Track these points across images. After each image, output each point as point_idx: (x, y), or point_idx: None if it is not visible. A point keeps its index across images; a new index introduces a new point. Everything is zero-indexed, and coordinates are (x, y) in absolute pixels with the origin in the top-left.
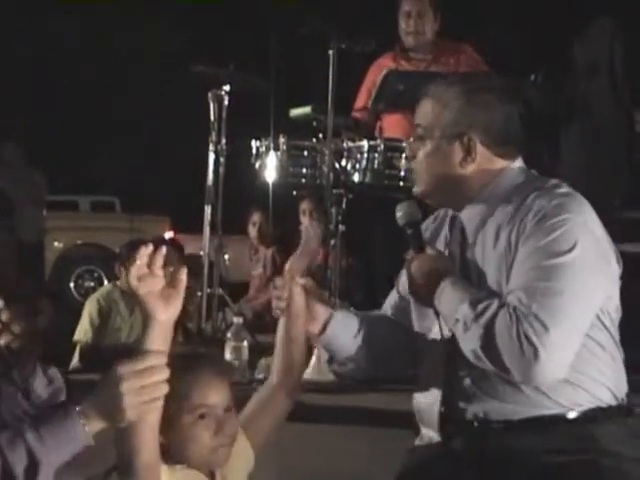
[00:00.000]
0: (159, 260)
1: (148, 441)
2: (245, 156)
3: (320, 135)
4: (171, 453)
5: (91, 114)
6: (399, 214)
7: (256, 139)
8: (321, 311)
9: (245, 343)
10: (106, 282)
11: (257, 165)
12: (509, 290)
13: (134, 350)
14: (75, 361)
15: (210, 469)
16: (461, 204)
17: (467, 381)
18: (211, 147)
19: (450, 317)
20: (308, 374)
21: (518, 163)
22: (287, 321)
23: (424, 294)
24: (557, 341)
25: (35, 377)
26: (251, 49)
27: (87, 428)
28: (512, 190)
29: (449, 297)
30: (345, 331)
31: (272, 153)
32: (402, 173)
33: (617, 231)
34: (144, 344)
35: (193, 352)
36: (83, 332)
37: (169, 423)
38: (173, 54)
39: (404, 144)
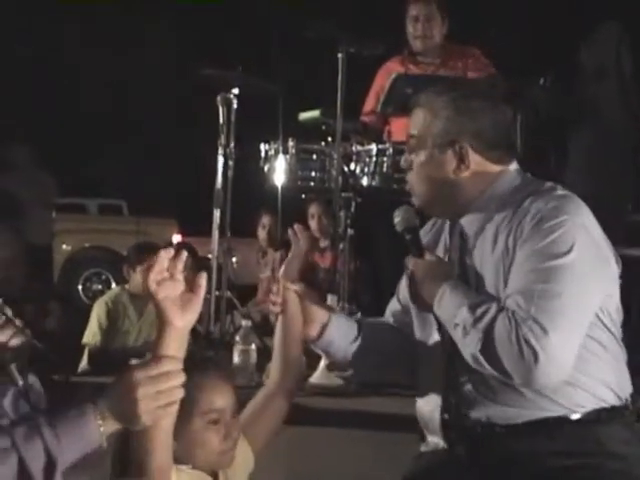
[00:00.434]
0: (180, 265)
1: (162, 444)
2: (254, 159)
3: (329, 139)
4: (178, 455)
5: (99, 117)
6: (397, 220)
7: (265, 142)
8: (318, 315)
9: (253, 346)
10: (114, 285)
11: (266, 168)
12: (507, 294)
13: (149, 354)
14: (83, 364)
15: (213, 470)
16: (460, 212)
17: (468, 386)
18: (220, 150)
19: (450, 322)
20: (315, 378)
21: (513, 167)
22: (283, 326)
23: (424, 299)
24: (556, 344)
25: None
26: (260, 52)
27: (102, 429)
28: (509, 194)
29: (448, 302)
30: (343, 335)
31: (281, 156)
32: None
33: (629, 234)
34: (160, 349)
35: (200, 357)
36: (91, 335)
37: (179, 428)
38: (179, 57)
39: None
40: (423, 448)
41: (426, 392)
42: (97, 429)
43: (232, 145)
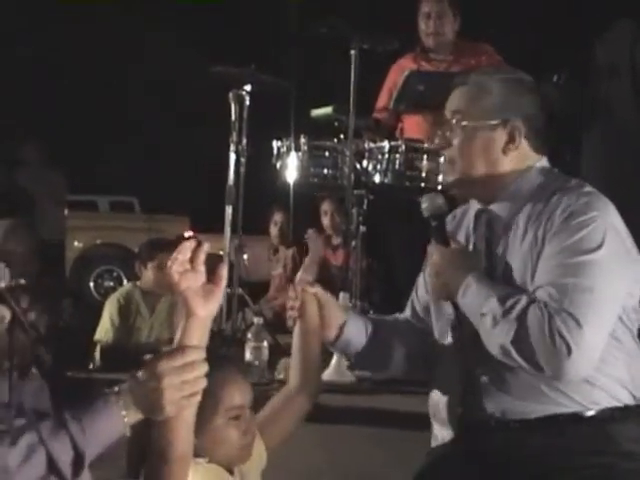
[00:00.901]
0: (201, 256)
1: (183, 434)
2: (266, 156)
3: (341, 136)
4: (197, 450)
5: (110, 114)
6: (424, 205)
7: (277, 139)
8: (336, 317)
9: (265, 343)
10: (125, 282)
11: (278, 165)
12: (537, 286)
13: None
14: (96, 361)
15: (232, 465)
16: (490, 196)
17: (484, 379)
18: (232, 147)
19: (475, 312)
20: (327, 375)
21: (544, 161)
22: (302, 329)
23: (446, 288)
24: (589, 338)
25: None
26: (272, 49)
27: (126, 420)
28: (540, 186)
29: (474, 292)
30: (360, 335)
31: (293, 153)
32: (423, 174)
33: None
34: (183, 339)
35: (218, 354)
36: (104, 332)
37: (200, 425)
38: (192, 54)
39: (425, 145)
40: (433, 443)
41: (441, 384)
42: (121, 420)
43: (244, 142)
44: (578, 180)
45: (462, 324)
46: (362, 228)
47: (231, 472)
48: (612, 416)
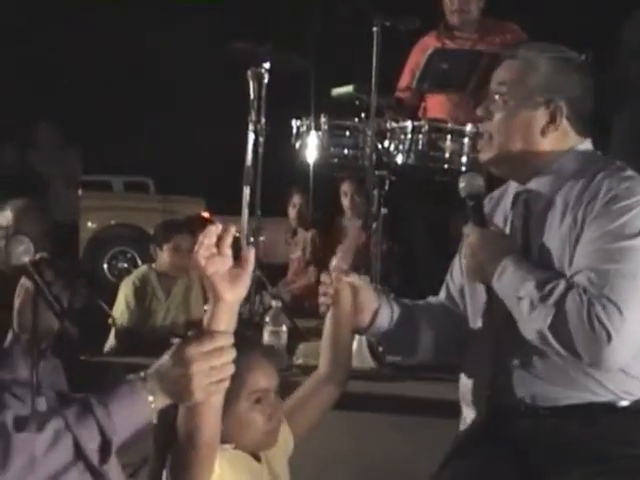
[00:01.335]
0: (228, 239)
1: (211, 420)
2: (285, 136)
3: (362, 115)
4: (223, 435)
5: (125, 93)
6: (462, 184)
7: (296, 118)
8: (369, 303)
9: (284, 327)
10: (140, 263)
11: (297, 145)
12: (576, 270)
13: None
14: (110, 344)
15: (258, 452)
16: (527, 176)
17: (516, 362)
18: (250, 127)
19: (511, 296)
20: None
21: (587, 144)
22: (334, 316)
23: (482, 270)
24: (629, 326)
25: None
26: (292, 26)
27: (153, 405)
28: (580, 168)
29: (511, 275)
30: (393, 321)
31: (313, 133)
32: (447, 155)
33: None
34: (211, 324)
35: (242, 336)
36: (119, 314)
37: (224, 408)
38: (209, 31)
39: (449, 125)
40: (462, 426)
41: (470, 367)
42: (148, 406)
43: (263, 121)
44: (620, 163)
45: (495, 307)
46: (383, 210)
47: (258, 459)
48: None
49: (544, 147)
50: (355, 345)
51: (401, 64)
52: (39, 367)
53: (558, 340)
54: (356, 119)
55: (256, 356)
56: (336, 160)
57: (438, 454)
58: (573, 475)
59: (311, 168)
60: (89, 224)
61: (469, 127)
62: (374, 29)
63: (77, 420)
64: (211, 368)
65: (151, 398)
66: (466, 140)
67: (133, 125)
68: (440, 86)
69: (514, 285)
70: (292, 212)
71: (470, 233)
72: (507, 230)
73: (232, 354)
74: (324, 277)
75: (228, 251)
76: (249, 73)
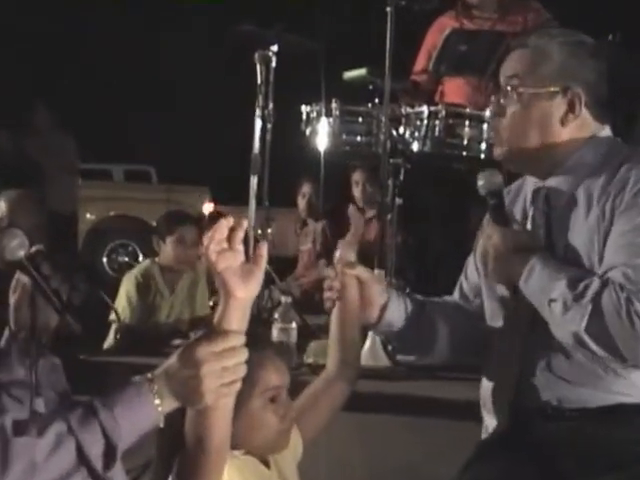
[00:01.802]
0: (240, 234)
1: (222, 424)
2: (294, 122)
3: (376, 100)
4: (234, 438)
5: (127, 78)
6: (481, 182)
7: (306, 104)
8: (377, 297)
9: (293, 324)
10: (141, 257)
11: (307, 132)
12: (609, 266)
13: (200, 330)
14: (110, 342)
15: (270, 454)
16: (548, 170)
17: (542, 364)
18: (257, 112)
19: (542, 298)
20: (362, 359)
21: (607, 130)
22: (341, 312)
23: (507, 272)
24: None
25: None
26: (302, 7)
27: (160, 408)
28: (602, 158)
29: (540, 275)
30: (404, 317)
31: (323, 119)
32: (465, 142)
33: None
34: (222, 323)
35: (252, 333)
36: (120, 311)
37: (236, 408)
38: (214, 12)
39: (467, 110)
40: (483, 434)
41: (492, 371)
42: (155, 409)
43: (271, 107)
44: None
45: (519, 307)
46: (398, 200)
47: (267, 464)
48: None
49: (563, 139)
50: (368, 342)
51: (417, 46)
52: (38, 366)
53: (596, 341)
54: (369, 104)
55: (268, 353)
56: (348, 148)
57: (456, 458)
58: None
59: (322, 156)
60: (88, 215)
61: (488, 112)
62: (388, 9)
63: (80, 424)
64: (223, 369)
65: (158, 401)
66: (485, 126)
67: (134, 111)
68: (458, 69)
69: (544, 286)
70: (302, 202)
71: (493, 234)
72: (528, 227)
73: (245, 354)
74: (328, 271)
75: (240, 246)
76: (256, 56)
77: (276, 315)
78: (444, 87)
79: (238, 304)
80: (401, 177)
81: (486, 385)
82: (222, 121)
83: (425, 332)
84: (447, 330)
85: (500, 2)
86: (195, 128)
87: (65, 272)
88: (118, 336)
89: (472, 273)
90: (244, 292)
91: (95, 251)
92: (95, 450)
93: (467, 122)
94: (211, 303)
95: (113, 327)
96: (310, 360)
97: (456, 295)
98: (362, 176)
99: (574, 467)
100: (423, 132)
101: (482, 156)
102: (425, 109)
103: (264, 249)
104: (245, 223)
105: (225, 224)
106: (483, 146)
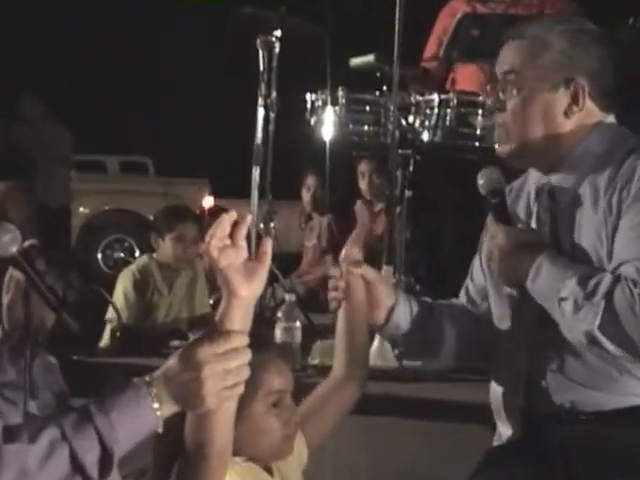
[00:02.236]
0: (243, 229)
1: (223, 429)
2: (298, 111)
3: (384, 88)
4: (237, 443)
5: (121, 63)
6: (481, 181)
7: (311, 92)
8: (385, 298)
9: (298, 323)
10: (137, 253)
11: (312, 122)
12: (619, 261)
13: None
14: (105, 342)
15: (273, 461)
16: (551, 163)
17: (553, 367)
18: (260, 101)
19: (552, 297)
20: (370, 359)
21: (611, 118)
22: (347, 312)
23: (514, 273)
24: None
25: None
26: None
27: (159, 413)
28: (607, 148)
29: (548, 274)
30: (411, 319)
31: (329, 108)
32: (478, 131)
33: None
34: (224, 323)
35: (255, 334)
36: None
37: (236, 413)
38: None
39: (480, 98)
40: (496, 441)
41: (502, 377)
42: (154, 414)
43: (274, 95)
44: None
45: (527, 308)
46: (407, 193)
47: (270, 472)
48: None
49: (568, 130)
50: (376, 342)
51: (427, 31)
52: (33, 367)
53: (611, 340)
54: (377, 92)
55: (271, 355)
56: (355, 138)
57: (465, 462)
58: None
59: (327, 147)
60: (81, 209)
61: None
62: None
63: (74, 430)
64: (225, 371)
65: (157, 405)
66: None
67: (130, 99)
68: (470, 55)
69: (553, 284)
70: (306, 195)
71: (496, 234)
72: (533, 224)
73: (248, 355)
74: (333, 270)
75: (243, 242)
76: (258, 42)
77: (279, 314)
78: (455, 74)
79: (241, 303)
80: (410, 168)
81: (496, 391)
82: (223, 110)
83: (432, 336)
84: (454, 335)
85: None
86: (194, 118)
87: (60, 268)
88: (114, 336)
89: (478, 274)
90: (247, 290)
91: (89, 247)
92: (90, 457)
93: (480, 111)
94: (211, 301)
95: (109, 326)
96: (315, 361)
97: (463, 298)
98: (369, 168)
99: (588, 471)
100: (434, 121)
101: (496, 146)
102: (436, 97)
103: (268, 245)
104: (249, 218)
105: (227, 219)
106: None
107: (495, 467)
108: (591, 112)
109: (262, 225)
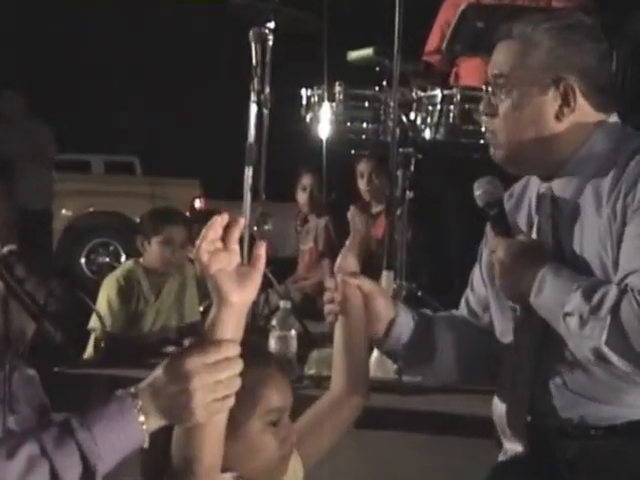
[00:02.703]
0: (236, 233)
1: (213, 443)
2: (293, 108)
3: (384, 83)
4: (230, 461)
5: (106, 57)
6: (478, 192)
7: (307, 87)
8: (384, 310)
9: (293, 332)
10: (123, 257)
11: (308, 119)
12: (626, 271)
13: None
14: (89, 353)
15: None
16: (550, 170)
17: (558, 381)
18: (253, 97)
19: (556, 312)
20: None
21: (613, 117)
22: (345, 326)
23: (517, 287)
24: None
25: None
26: None
27: (145, 427)
28: (610, 151)
29: (552, 288)
30: (412, 333)
31: (326, 104)
32: (482, 129)
33: None
34: (215, 331)
35: (252, 344)
36: (100, 318)
37: (232, 429)
38: None
39: (485, 94)
40: (501, 457)
41: (507, 391)
42: (139, 428)
43: (267, 90)
44: None
45: (530, 320)
46: (408, 194)
47: None
48: None
49: (562, 136)
50: (376, 352)
51: (429, 23)
52: (12, 380)
53: (619, 355)
54: (376, 87)
55: (271, 369)
56: (353, 136)
57: (470, 479)
58: None
59: (324, 145)
60: (63, 212)
61: None
62: None
63: (55, 445)
64: (216, 383)
65: (143, 418)
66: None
67: (115, 95)
68: (474, 48)
69: (557, 299)
70: (302, 196)
71: (496, 247)
72: (534, 234)
73: (240, 366)
74: (329, 281)
75: (235, 246)
76: (251, 34)
77: (274, 322)
78: (459, 68)
79: (233, 310)
80: (412, 168)
81: (499, 407)
82: (213, 107)
83: (434, 351)
84: (457, 349)
85: None
86: (184, 114)
87: (41, 274)
88: (98, 346)
89: (478, 285)
90: (240, 297)
91: (72, 251)
92: (71, 474)
93: None
94: (201, 309)
95: (92, 336)
96: (312, 371)
97: (463, 309)
98: (368, 167)
99: None
100: (436, 118)
101: None
102: (438, 93)
103: (262, 249)
104: (242, 221)
105: (219, 221)
106: None
107: None
108: (586, 113)
109: (255, 228)
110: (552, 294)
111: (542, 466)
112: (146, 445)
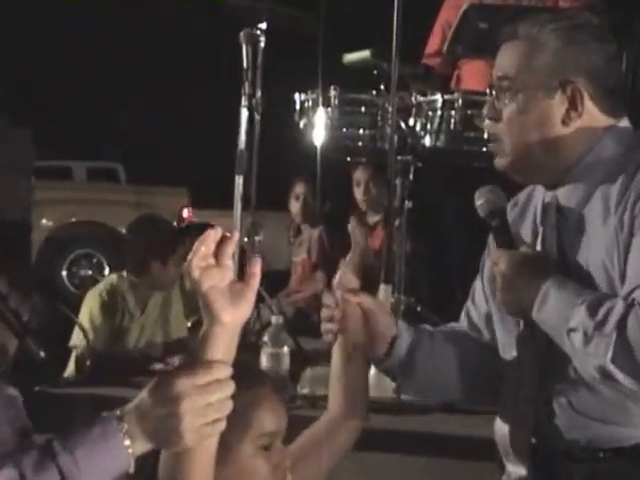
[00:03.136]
0: (230, 248)
1: (202, 469)
2: (286, 113)
3: (382, 87)
4: None
5: (89, 59)
6: (479, 202)
7: (300, 92)
8: (384, 330)
9: (285, 349)
10: (107, 270)
11: (301, 124)
12: (633, 285)
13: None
14: (70, 371)
15: None
16: (556, 178)
17: (563, 401)
18: (244, 101)
19: (560, 328)
20: None
21: (624, 122)
22: (344, 345)
23: (517, 301)
24: None
25: None
26: None
27: (130, 451)
28: (620, 156)
29: (555, 302)
30: (414, 351)
31: (320, 109)
32: (485, 135)
33: None
34: (205, 351)
35: (244, 364)
36: (82, 335)
37: (223, 453)
38: None
39: (487, 98)
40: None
41: (510, 411)
42: (124, 452)
43: (259, 95)
44: None
45: (533, 335)
46: (407, 203)
47: None
48: None
49: (569, 140)
50: (373, 371)
51: (429, 24)
52: None
53: (625, 372)
54: (374, 92)
55: (265, 390)
56: (349, 142)
57: None
58: None
59: (318, 152)
60: (43, 221)
61: None
62: None
63: (34, 470)
64: (206, 406)
65: (128, 442)
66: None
67: (98, 99)
68: (477, 50)
69: (561, 314)
70: (295, 206)
71: (499, 260)
72: (539, 245)
73: (231, 388)
74: (327, 298)
75: (229, 262)
76: (241, 35)
77: (265, 338)
78: (461, 71)
79: (224, 330)
80: (411, 176)
81: (502, 427)
82: (203, 111)
83: (436, 370)
84: (458, 366)
85: None
86: (170, 119)
87: (22, 289)
88: (81, 363)
89: (480, 298)
90: (232, 316)
91: (53, 263)
92: None
93: None
94: (189, 324)
95: (74, 353)
96: (305, 390)
97: (464, 323)
98: (365, 175)
99: None
100: (436, 124)
101: None
102: (439, 97)
103: (257, 266)
104: (236, 235)
105: (212, 236)
106: None
107: None
108: (594, 117)
109: (246, 239)
110: (555, 309)
111: None
112: (132, 470)
